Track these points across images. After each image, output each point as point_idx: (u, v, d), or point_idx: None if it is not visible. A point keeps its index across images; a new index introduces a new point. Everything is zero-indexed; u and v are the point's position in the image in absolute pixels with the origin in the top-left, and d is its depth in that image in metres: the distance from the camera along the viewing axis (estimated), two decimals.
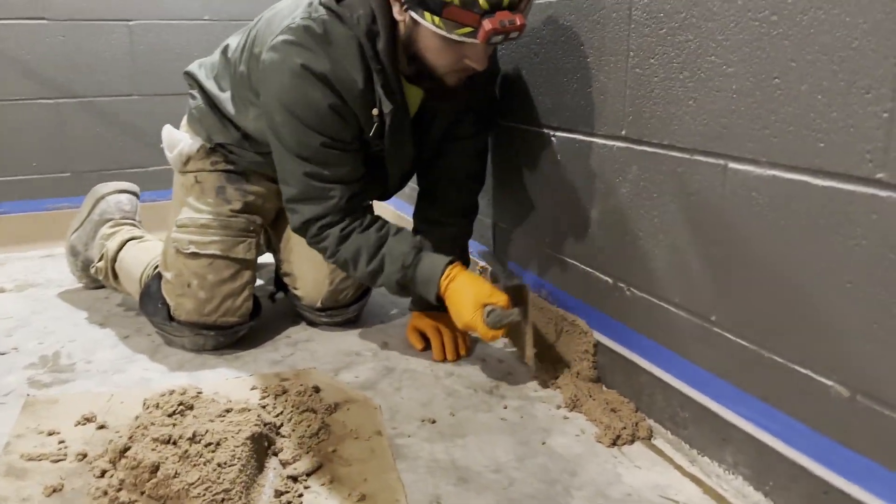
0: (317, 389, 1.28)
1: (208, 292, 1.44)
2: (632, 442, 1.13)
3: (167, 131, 1.55)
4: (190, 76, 1.54)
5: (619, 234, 1.19)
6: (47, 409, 1.23)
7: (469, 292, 1.26)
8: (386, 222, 1.36)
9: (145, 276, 1.57)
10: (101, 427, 1.17)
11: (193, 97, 1.52)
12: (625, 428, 1.14)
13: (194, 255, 1.44)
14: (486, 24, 1.05)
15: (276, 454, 1.08)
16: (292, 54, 1.21)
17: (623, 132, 1.15)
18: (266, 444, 1.08)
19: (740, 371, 0.97)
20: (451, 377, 1.36)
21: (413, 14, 1.12)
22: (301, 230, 1.36)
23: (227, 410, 1.11)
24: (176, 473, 0.95)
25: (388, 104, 1.23)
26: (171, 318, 1.46)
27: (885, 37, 0.72)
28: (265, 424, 1.11)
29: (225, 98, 1.44)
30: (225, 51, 1.47)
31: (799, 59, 0.82)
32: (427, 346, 1.46)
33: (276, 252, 1.64)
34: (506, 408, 1.24)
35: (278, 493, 0.98)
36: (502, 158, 1.57)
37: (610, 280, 1.24)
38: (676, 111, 1.03)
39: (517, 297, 1.34)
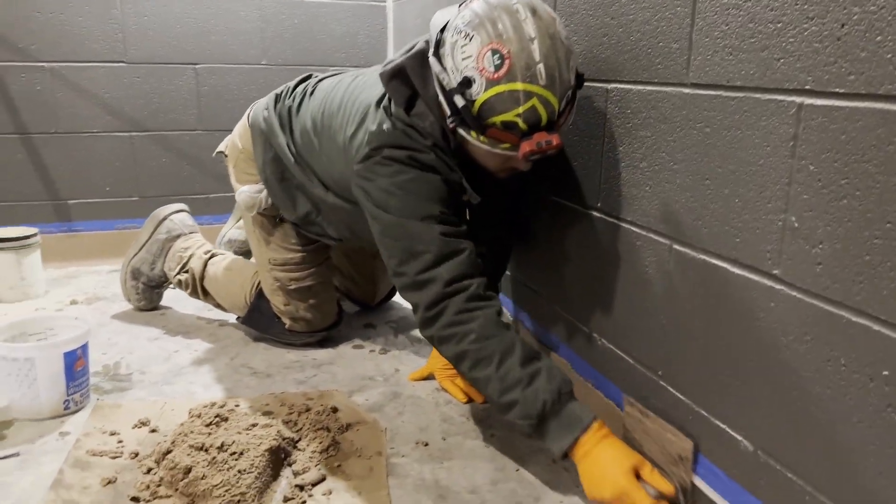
0: (334, 410, 1.49)
1: (314, 312, 1.80)
2: None
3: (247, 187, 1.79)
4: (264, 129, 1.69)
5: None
6: (112, 413, 1.47)
7: (623, 455, 1.13)
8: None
9: (250, 297, 1.84)
10: (153, 431, 1.40)
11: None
12: None
13: (297, 290, 1.77)
14: (525, 146, 1.16)
15: (290, 465, 1.29)
16: (395, 151, 1.31)
17: (599, 204, 1.33)
18: (283, 455, 1.29)
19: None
20: (450, 405, 1.55)
21: (460, 131, 1.23)
22: (438, 301, 1.26)
23: (254, 424, 1.33)
24: (203, 476, 1.17)
25: (476, 197, 1.36)
26: (287, 330, 1.81)
27: (780, 160, 0.89)
28: (284, 439, 1.32)
29: (287, 157, 1.64)
30: (289, 121, 1.65)
31: (724, 167, 0.99)
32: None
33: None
34: (492, 436, 1.42)
35: (286, 499, 1.19)
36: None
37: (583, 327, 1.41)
38: (637, 193, 1.20)
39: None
